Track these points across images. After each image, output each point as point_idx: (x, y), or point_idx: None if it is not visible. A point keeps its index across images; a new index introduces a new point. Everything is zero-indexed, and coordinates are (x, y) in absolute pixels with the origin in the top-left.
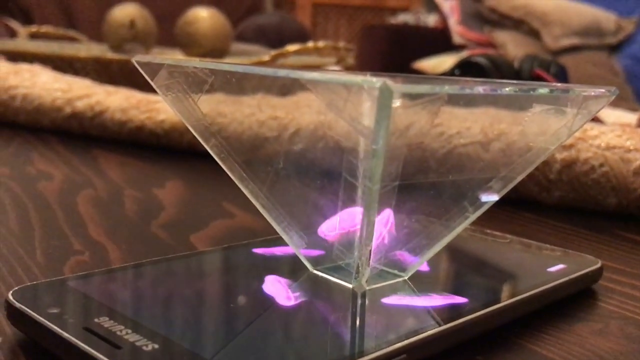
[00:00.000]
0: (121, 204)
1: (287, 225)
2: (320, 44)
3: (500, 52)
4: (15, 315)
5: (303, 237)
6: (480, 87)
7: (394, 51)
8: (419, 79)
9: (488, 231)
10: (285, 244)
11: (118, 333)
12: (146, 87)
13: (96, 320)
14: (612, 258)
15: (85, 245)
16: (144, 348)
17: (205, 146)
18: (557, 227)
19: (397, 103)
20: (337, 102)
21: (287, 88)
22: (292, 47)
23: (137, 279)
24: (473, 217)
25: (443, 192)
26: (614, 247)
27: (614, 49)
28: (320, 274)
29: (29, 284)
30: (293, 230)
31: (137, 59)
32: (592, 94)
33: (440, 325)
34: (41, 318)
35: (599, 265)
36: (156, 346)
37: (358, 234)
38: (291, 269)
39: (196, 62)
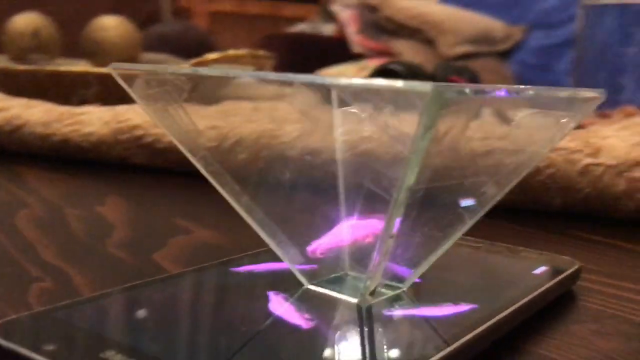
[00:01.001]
0: (66, 224)
1: (282, 240)
2: (241, 51)
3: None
4: (4, 355)
5: (297, 252)
6: (503, 91)
7: (295, 60)
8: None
9: None
10: (265, 260)
11: None
12: (59, 100)
13: (102, 355)
14: (574, 257)
15: (43, 271)
16: None
17: (192, 159)
18: (508, 228)
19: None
20: (370, 108)
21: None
22: (212, 55)
23: (130, 306)
24: (468, 225)
25: (437, 201)
26: (571, 246)
27: (504, 55)
28: (317, 289)
29: (10, 318)
30: (288, 245)
31: (114, 66)
32: (584, 96)
33: (465, 335)
34: (41, 357)
35: (577, 266)
36: None
37: (362, 245)
38: (285, 285)
39: (176, 69)
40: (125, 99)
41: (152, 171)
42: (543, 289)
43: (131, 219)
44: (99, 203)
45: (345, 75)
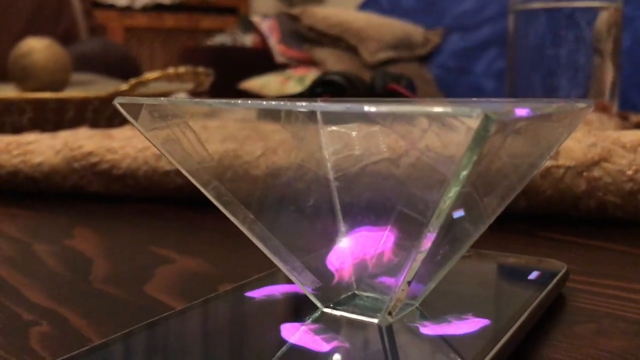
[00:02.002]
0: (41, 262)
1: (295, 265)
2: (181, 69)
3: (321, 69)
4: None
5: (310, 275)
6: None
7: (218, 72)
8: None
9: None
10: (270, 283)
11: None
12: None
13: None
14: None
15: (36, 314)
16: None
17: (203, 190)
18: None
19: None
20: (413, 132)
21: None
22: (152, 74)
23: (148, 348)
24: (474, 238)
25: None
26: (543, 247)
27: (424, 59)
28: (334, 312)
29: None
30: (302, 269)
31: (118, 100)
32: (577, 107)
33: (487, 353)
34: None
35: (565, 268)
36: None
37: (373, 264)
38: (301, 309)
39: (183, 101)
40: (63, 125)
41: (109, 198)
42: (544, 294)
43: (107, 250)
44: (66, 236)
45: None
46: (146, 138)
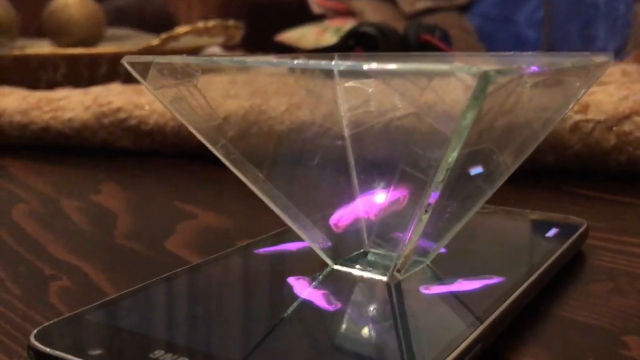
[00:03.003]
0: (66, 217)
1: (304, 222)
2: (210, 23)
3: (359, 20)
4: None
5: (319, 232)
6: (534, 67)
7: (255, 25)
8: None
9: None
10: (283, 241)
11: None
12: (26, 84)
13: (152, 356)
14: (573, 215)
15: (57, 268)
16: None
17: (212, 148)
18: (506, 190)
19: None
20: (413, 91)
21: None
22: (182, 29)
23: (164, 301)
24: (488, 195)
25: (459, 173)
26: (569, 203)
27: (464, 8)
28: (343, 268)
29: (47, 323)
30: (310, 226)
31: (127, 59)
32: (597, 62)
33: (496, 309)
34: None
35: (585, 225)
36: None
37: (383, 221)
38: (310, 266)
39: (189, 59)
40: (96, 81)
41: (138, 154)
42: (560, 251)
43: (131, 206)
44: (94, 192)
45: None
46: (154, 96)
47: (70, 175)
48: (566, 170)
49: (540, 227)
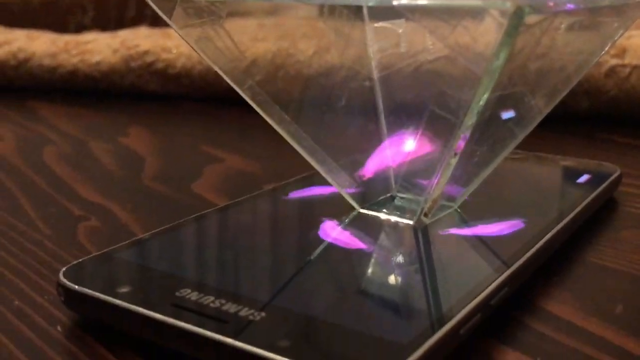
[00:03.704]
0: (95, 159)
1: (331, 166)
2: None
3: None
4: (76, 300)
5: (346, 175)
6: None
7: None
8: None
9: None
10: (310, 184)
11: (212, 305)
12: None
13: (178, 294)
14: (607, 161)
15: (86, 209)
16: (252, 318)
17: (238, 89)
18: (538, 136)
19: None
20: (444, 30)
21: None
22: None
23: (191, 241)
24: (518, 140)
25: (488, 117)
26: (602, 149)
27: None
28: (369, 212)
29: (76, 262)
30: (337, 170)
31: None
32: (633, 1)
33: (524, 253)
34: (116, 300)
35: (619, 172)
36: (263, 314)
37: (412, 165)
38: (336, 210)
39: None
40: (124, 24)
41: (166, 98)
42: (591, 197)
43: (159, 149)
44: (122, 134)
45: None
46: (180, 35)
47: (99, 118)
48: (600, 117)
49: (572, 173)
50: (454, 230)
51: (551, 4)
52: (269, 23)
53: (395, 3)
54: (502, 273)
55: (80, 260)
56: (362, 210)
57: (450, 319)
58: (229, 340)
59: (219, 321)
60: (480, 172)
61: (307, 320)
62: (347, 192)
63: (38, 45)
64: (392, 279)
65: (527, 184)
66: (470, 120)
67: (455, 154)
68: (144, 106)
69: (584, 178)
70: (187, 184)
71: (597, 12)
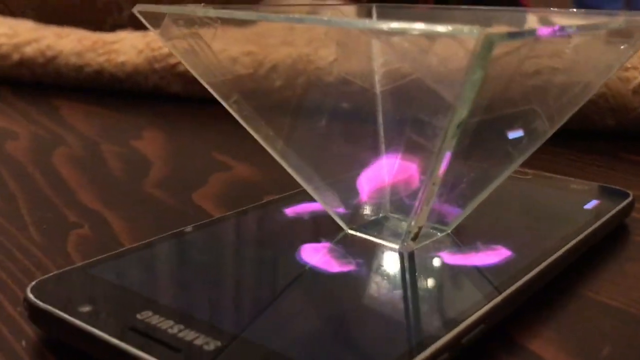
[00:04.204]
0: (103, 162)
1: (319, 185)
2: None
3: None
4: (39, 316)
5: (336, 195)
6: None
7: None
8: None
9: None
10: (301, 201)
11: (169, 331)
12: (92, 25)
13: (139, 316)
14: (627, 184)
15: (81, 216)
16: (205, 347)
17: (225, 104)
18: (558, 153)
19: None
20: (414, 53)
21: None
22: None
23: (168, 259)
24: (518, 162)
25: (485, 136)
26: (623, 171)
27: None
28: (357, 234)
29: (46, 276)
30: (326, 189)
31: (139, 8)
32: (637, 23)
33: (509, 286)
34: (75, 320)
35: (630, 198)
36: (218, 343)
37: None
38: (326, 228)
39: (207, 10)
40: None
41: (188, 101)
42: (595, 226)
43: (169, 153)
44: (135, 137)
45: None
46: (167, 47)
47: (119, 119)
48: (627, 136)
49: (579, 197)
50: (440, 257)
51: (520, 33)
52: (298, 28)
53: (360, 25)
54: (480, 309)
55: (50, 274)
56: (349, 232)
57: (412, 359)
58: None
59: (171, 349)
60: (476, 194)
61: (267, 353)
62: (335, 212)
63: (66, 43)
64: (364, 307)
65: (529, 208)
66: (448, 147)
67: (434, 183)
68: (165, 108)
69: (592, 204)
70: (188, 192)
71: (597, 32)
